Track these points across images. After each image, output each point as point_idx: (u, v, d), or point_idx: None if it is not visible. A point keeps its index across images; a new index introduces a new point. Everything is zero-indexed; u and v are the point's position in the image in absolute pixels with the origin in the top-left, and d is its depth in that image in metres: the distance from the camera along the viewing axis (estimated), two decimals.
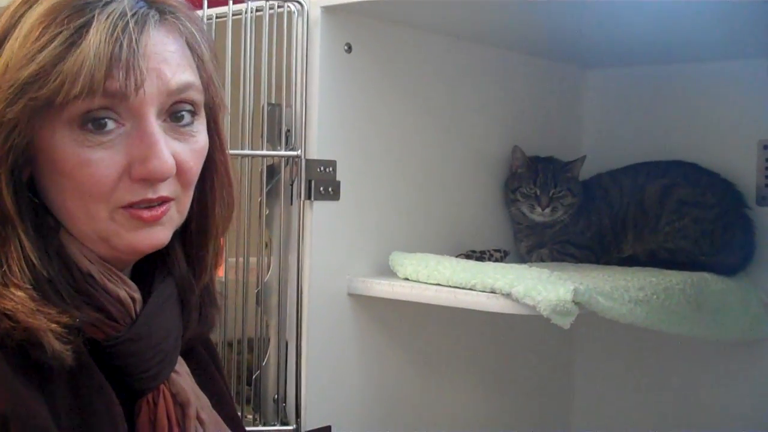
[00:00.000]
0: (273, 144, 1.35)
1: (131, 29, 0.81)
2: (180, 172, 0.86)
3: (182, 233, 0.95)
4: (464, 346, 1.61)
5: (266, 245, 1.37)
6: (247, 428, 1.24)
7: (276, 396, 1.36)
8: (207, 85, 0.90)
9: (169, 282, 0.93)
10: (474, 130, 1.63)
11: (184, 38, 0.87)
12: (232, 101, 1.31)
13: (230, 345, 1.38)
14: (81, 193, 0.82)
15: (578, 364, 1.88)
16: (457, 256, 1.48)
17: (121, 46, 0.80)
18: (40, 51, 0.78)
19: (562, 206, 1.66)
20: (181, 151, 0.86)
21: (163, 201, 0.86)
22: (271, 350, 1.36)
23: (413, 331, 1.51)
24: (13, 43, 0.80)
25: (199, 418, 0.94)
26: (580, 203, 1.69)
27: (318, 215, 1.35)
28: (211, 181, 0.94)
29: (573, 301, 1.19)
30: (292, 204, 1.35)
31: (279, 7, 1.34)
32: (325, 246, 1.36)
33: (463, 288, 1.29)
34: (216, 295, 1.03)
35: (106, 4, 0.81)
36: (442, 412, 1.57)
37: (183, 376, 0.95)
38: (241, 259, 1.36)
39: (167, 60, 0.84)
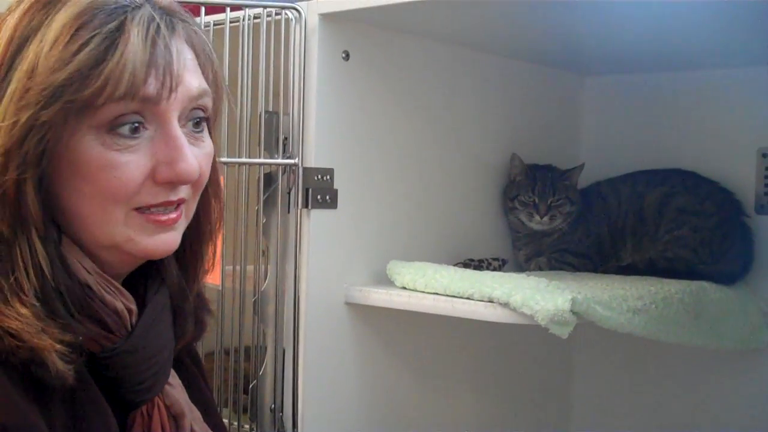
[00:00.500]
0: (270, 152, 1.35)
1: (164, 34, 0.83)
2: None
3: None
4: (462, 355, 1.60)
5: (263, 253, 1.36)
6: None
7: (273, 405, 1.35)
8: (213, 92, 0.91)
9: (163, 291, 0.93)
10: (472, 138, 1.63)
11: (196, 46, 0.89)
12: (229, 109, 1.30)
13: (227, 353, 1.37)
14: (102, 197, 0.82)
15: (576, 374, 1.87)
16: (455, 265, 1.48)
17: (158, 50, 0.82)
18: (74, 54, 0.79)
19: (561, 214, 1.66)
20: (197, 155, 0.87)
21: (179, 203, 0.87)
22: (268, 359, 1.36)
23: (411, 340, 1.50)
24: (37, 48, 0.80)
25: (192, 431, 0.94)
26: (579, 211, 1.68)
27: (315, 223, 1.34)
28: (205, 186, 0.94)
29: (571, 311, 1.19)
30: (289, 212, 1.34)
31: (276, 14, 1.33)
32: (322, 254, 1.36)
33: (461, 297, 1.28)
34: (207, 300, 1.04)
35: (135, 9, 0.83)
36: (440, 421, 1.56)
37: (177, 388, 0.95)
38: (238, 268, 1.35)
39: (188, 66, 0.86)
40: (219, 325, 1.35)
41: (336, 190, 1.36)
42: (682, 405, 1.73)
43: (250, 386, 1.36)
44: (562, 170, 1.70)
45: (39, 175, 0.80)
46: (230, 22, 1.34)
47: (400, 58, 1.47)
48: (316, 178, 1.33)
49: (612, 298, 1.29)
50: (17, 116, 0.78)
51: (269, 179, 1.35)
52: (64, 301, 0.81)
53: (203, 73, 0.89)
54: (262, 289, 1.36)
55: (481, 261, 1.54)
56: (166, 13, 0.86)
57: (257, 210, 1.35)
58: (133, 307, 0.88)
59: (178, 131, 0.85)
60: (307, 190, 1.33)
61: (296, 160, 1.33)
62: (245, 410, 1.37)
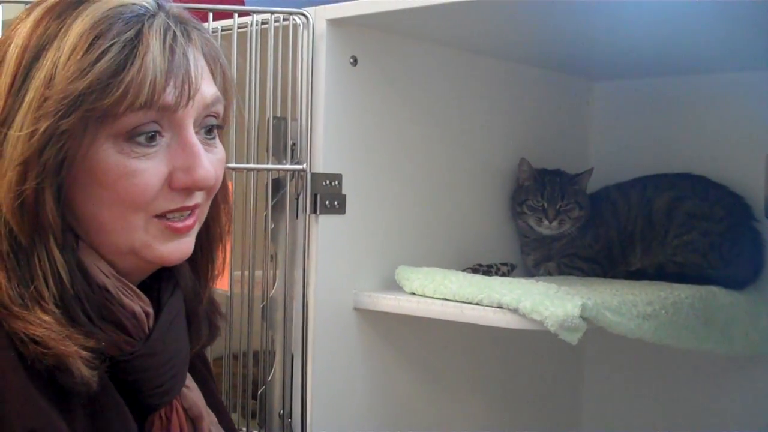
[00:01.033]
0: (278, 157, 1.35)
1: (181, 42, 0.83)
2: None
3: None
4: (471, 360, 1.59)
5: (272, 259, 1.36)
6: None
7: (282, 411, 1.35)
8: (224, 99, 0.92)
9: (178, 295, 0.94)
10: (481, 143, 1.63)
11: (209, 54, 0.90)
12: (237, 114, 1.30)
13: (236, 358, 1.37)
14: (121, 204, 0.83)
15: (586, 379, 1.86)
16: (463, 270, 1.48)
17: (176, 58, 0.83)
18: (94, 63, 0.79)
19: (570, 219, 1.65)
20: (211, 161, 0.88)
21: (194, 209, 0.88)
22: (277, 365, 1.36)
23: (420, 346, 1.50)
24: (54, 57, 0.80)
25: None
26: (588, 216, 1.68)
27: (324, 229, 1.34)
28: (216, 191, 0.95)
29: (581, 317, 1.18)
30: (297, 218, 1.34)
31: (284, 20, 1.33)
32: (330, 260, 1.35)
33: (470, 303, 1.28)
34: (218, 304, 1.04)
35: (150, 17, 0.84)
36: (449, 427, 1.55)
37: (194, 390, 0.96)
38: (246, 273, 1.35)
39: (203, 74, 0.87)
40: (228, 330, 1.35)
41: (344, 196, 1.36)
42: (692, 410, 1.72)
43: (259, 392, 1.36)
44: (571, 175, 1.69)
45: (58, 183, 0.81)
46: (238, 28, 1.34)
47: (408, 64, 1.47)
48: (324, 183, 1.33)
49: (622, 303, 1.28)
50: (36, 125, 0.79)
51: (277, 185, 1.35)
52: (83, 308, 0.82)
53: (215, 80, 0.90)
54: (271, 294, 1.36)
55: (490, 266, 1.54)
56: (180, 21, 0.87)
57: (266, 216, 1.35)
58: (150, 310, 0.89)
59: (194, 138, 0.86)
60: (315, 196, 1.33)
61: (304, 166, 1.33)
62: (254, 416, 1.37)
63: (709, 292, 1.47)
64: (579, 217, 1.66)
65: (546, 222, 1.64)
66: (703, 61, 1.63)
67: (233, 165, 1.33)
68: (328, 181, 1.34)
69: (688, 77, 1.73)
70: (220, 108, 0.90)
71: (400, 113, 1.46)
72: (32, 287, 0.80)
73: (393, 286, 1.41)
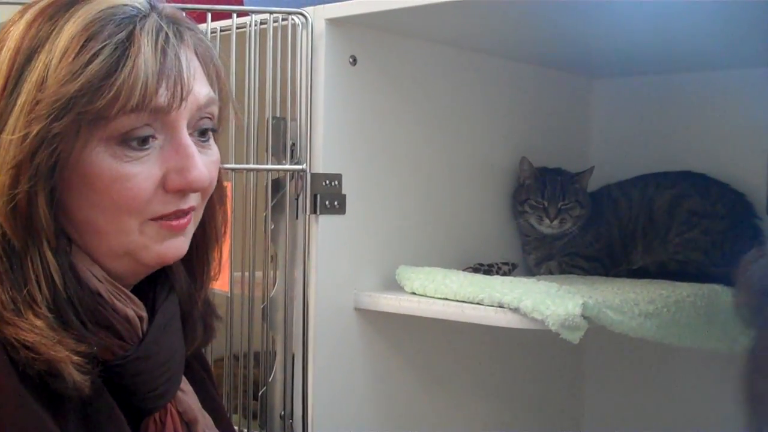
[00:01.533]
0: (278, 158, 1.35)
1: (173, 43, 0.82)
2: None
3: None
4: (472, 360, 1.59)
5: (272, 259, 1.36)
6: None
7: (283, 412, 1.35)
8: (219, 99, 0.91)
9: (172, 298, 0.93)
10: (481, 142, 1.62)
11: (202, 54, 0.89)
12: (236, 115, 1.30)
13: (236, 359, 1.37)
14: (116, 208, 0.83)
15: (587, 379, 1.86)
16: (464, 270, 1.47)
17: (169, 59, 0.82)
18: (85, 65, 0.79)
19: (571, 218, 1.65)
20: (205, 162, 0.88)
21: (189, 211, 0.88)
22: (278, 365, 1.35)
23: (421, 345, 1.49)
24: (46, 59, 0.80)
25: None
26: (589, 215, 1.67)
27: (324, 229, 1.34)
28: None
29: (582, 316, 1.18)
30: (297, 218, 1.34)
31: (283, 19, 1.33)
32: (331, 260, 1.35)
33: (471, 302, 1.27)
34: (215, 306, 1.04)
35: (143, 18, 0.83)
36: (450, 426, 1.55)
37: (189, 394, 0.96)
38: (246, 274, 1.35)
39: (195, 75, 0.86)
40: (228, 331, 1.35)
41: (344, 196, 1.36)
42: (694, 409, 1.72)
43: (260, 393, 1.35)
44: (571, 173, 1.69)
45: (51, 186, 0.80)
46: (237, 28, 1.34)
47: (408, 63, 1.47)
48: (324, 183, 1.33)
49: (623, 302, 1.28)
50: (28, 129, 0.78)
51: (277, 185, 1.35)
52: (76, 312, 0.82)
53: (209, 80, 0.89)
54: (271, 295, 1.35)
55: (490, 265, 1.53)
56: (173, 21, 0.86)
57: (265, 216, 1.34)
58: (144, 314, 0.88)
59: (188, 140, 0.85)
60: (315, 196, 1.32)
61: (304, 166, 1.32)
62: (255, 416, 1.37)
63: (711, 290, 1.46)
64: (580, 216, 1.66)
65: (547, 221, 1.64)
66: (704, 58, 1.62)
67: (233, 165, 1.33)
68: (327, 181, 1.34)
69: (689, 74, 1.73)
70: (214, 109, 0.89)
71: (399, 112, 1.46)
72: (25, 291, 0.79)
73: (393, 285, 1.41)
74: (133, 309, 0.87)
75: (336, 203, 1.35)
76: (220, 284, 1.28)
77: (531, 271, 1.68)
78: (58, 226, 0.83)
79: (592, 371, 1.85)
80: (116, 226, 0.84)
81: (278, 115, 1.34)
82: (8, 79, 0.81)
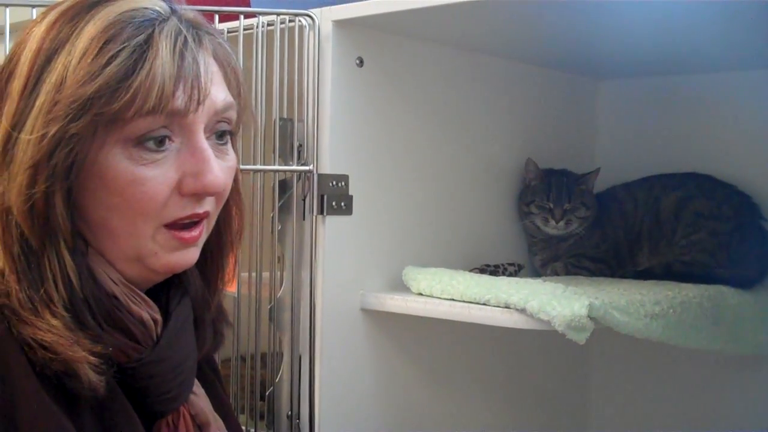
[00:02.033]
0: (285, 159, 1.35)
1: (191, 47, 0.83)
2: None
3: None
4: (478, 361, 1.59)
5: (279, 260, 1.36)
6: None
7: (290, 412, 1.35)
8: (237, 104, 0.92)
9: (186, 302, 0.94)
10: (487, 143, 1.63)
11: (221, 59, 0.90)
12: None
13: (243, 359, 1.37)
14: (131, 211, 0.83)
15: (593, 380, 1.86)
16: (470, 270, 1.47)
17: (186, 63, 0.82)
18: (103, 67, 0.79)
19: (577, 219, 1.65)
20: (221, 167, 0.88)
21: (204, 217, 0.88)
22: (285, 366, 1.36)
23: (427, 346, 1.49)
24: (65, 61, 0.80)
25: None
26: (595, 216, 1.67)
27: (331, 230, 1.34)
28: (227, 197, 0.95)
29: (588, 317, 1.18)
30: (304, 219, 1.34)
31: (290, 21, 1.33)
32: (338, 261, 1.36)
33: (477, 303, 1.28)
34: (226, 311, 1.04)
35: (162, 22, 0.83)
36: (457, 427, 1.55)
37: (201, 397, 0.96)
38: (253, 275, 1.35)
39: (214, 79, 0.87)
40: (235, 332, 1.35)
41: (351, 197, 1.36)
42: (700, 410, 1.72)
43: (267, 393, 1.36)
44: (577, 175, 1.69)
45: (67, 187, 0.81)
46: (244, 30, 1.34)
47: (414, 64, 1.47)
48: (331, 184, 1.33)
49: (629, 303, 1.28)
50: (46, 129, 0.79)
51: (284, 186, 1.35)
52: (92, 312, 0.82)
53: (228, 85, 0.89)
54: (278, 296, 1.36)
55: (497, 266, 1.54)
56: (193, 26, 0.86)
57: (272, 217, 1.35)
58: (158, 317, 0.88)
59: (204, 143, 0.85)
60: (322, 197, 1.33)
61: (311, 167, 1.33)
62: (262, 417, 1.37)
63: (717, 292, 1.46)
64: (586, 217, 1.66)
65: (553, 222, 1.64)
66: (710, 60, 1.62)
67: (240, 166, 1.33)
68: (334, 182, 1.34)
69: (695, 76, 1.73)
70: (232, 114, 0.90)
71: (406, 114, 1.46)
72: (42, 290, 0.80)
73: (400, 286, 1.41)
74: (147, 312, 0.87)
75: (343, 204, 1.35)
76: (228, 285, 1.28)
77: (537, 272, 1.68)
78: (75, 227, 0.83)
79: (598, 372, 1.85)
80: (130, 229, 0.84)
81: (285, 116, 1.34)
82: (28, 80, 0.81)
